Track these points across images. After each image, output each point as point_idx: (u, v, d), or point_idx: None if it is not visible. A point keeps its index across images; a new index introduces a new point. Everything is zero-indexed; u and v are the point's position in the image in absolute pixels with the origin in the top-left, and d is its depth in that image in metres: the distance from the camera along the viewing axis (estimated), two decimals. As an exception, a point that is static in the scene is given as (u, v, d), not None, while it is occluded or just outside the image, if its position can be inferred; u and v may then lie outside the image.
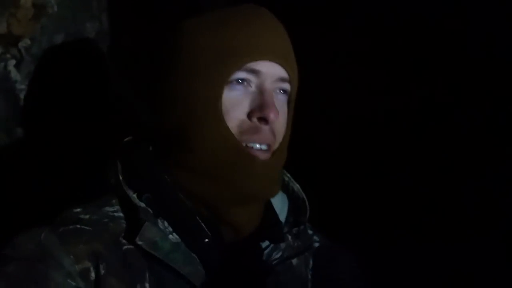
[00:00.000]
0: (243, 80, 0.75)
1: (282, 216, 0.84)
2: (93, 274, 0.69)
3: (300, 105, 0.84)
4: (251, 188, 0.75)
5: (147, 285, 0.71)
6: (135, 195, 0.76)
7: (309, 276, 0.83)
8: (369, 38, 1.23)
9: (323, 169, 1.25)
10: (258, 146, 0.76)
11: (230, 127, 0.74)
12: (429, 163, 1.18)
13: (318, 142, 1.27)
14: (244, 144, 0.75)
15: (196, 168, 0.75)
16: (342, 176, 1.26)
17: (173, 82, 0.77)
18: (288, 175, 0.88)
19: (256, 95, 0.76)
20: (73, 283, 0.68)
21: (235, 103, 0.75)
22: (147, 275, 0.72)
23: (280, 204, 0.85)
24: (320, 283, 0.69)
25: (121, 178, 0.77)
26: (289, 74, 0.78)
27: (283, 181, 0.88)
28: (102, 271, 0.69)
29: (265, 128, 0.75)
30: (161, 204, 0.76)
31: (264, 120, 0.74)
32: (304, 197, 0.86)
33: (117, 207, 0.77)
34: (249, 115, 0.75)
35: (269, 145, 0.76)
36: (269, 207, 0.83)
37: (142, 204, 0.75)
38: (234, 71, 0.74)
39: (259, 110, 0.75)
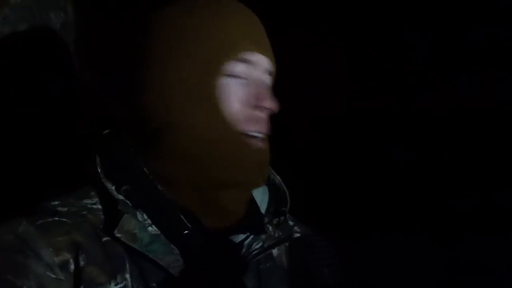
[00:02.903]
0: (239, 70, 0.75)
1: (263, 207, 0.84)
2: (72, 266, 0.68)
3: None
4: (251, 175, 0.76)
5: (127, 275, 0.71)
6: (113, 188, 0.75)
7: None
8: (344, 40, 1.24)
9: (297, 165, 1.26)
10: (257, 134, 0.76)
11: (229, 116, 0.74)
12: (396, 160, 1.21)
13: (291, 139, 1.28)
14: (244, 133, 0.75)
15: (186, 156, 0.74)
16: (318, 171, 1.28)
17: (158, 73, 0.75)
18: (269, 167, 0.88)
19: (252, 85, 0.76)
20: (53, 275, 0.66)
21: (233, 92, 0.75)
22: (127, 266, 0.71)
23: (260, 195, 0.85)
24: (295, 272, 0.69)
25: (99, 170, 0.75)
26: (273, 68, 0.81)
27: None
28: (82, 262, 0.68)
29: (263, 117, 0.77)
30: (139, 196, 0.75)
31: (264, 109, 0.76)
32: (285, 189, 0.86)
33: (96, 199, 0.76)
34: (248, 105, 0.75)
35: (266, 134, 0.78)
36: (250, 198, 0.83)
37: (121, 197, 0.74)
38: (230, 61, 0.75)
39: (260, 100, 0.76)
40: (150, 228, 0.73)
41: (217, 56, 0.74)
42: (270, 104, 0.76)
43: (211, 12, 0.76)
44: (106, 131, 0.81)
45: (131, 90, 0.78)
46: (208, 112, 0.73)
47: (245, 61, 0.76)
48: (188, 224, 0.75)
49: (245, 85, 0.76)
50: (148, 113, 0.76)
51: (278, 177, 0.87)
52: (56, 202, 0.74)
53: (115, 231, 0.71)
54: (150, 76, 0.76)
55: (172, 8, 0.78)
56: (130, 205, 0.74)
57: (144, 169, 0.76)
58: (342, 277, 0.64)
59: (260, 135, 0.77)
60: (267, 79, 0.80)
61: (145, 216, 0.74)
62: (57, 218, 0.71)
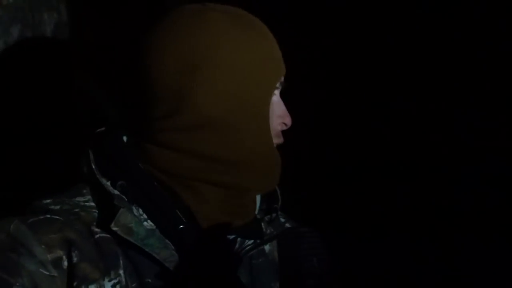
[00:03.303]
0: (277, 89, 0.82)
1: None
2: (65, 263, 0.68)
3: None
4: (272, 182, 0.82)
5: (121, 271, 0.71)
6: (108, 183, 0.75)
7: (279, 261, 0.85)
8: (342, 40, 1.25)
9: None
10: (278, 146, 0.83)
11: (271, 130, 0.80)
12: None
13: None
14: (275, 146, 0.82)
15: (215, 157, 0.76)
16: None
17: (198, 78, 0.75)
18: None
19: (281, 103, 0.83)
20: (46, 272, 0.66)
21: (276, 109, 0.81)
22: (121, 262, 0.71)
23: None
24: (285, 261, 0.70)
25: (94, 166, 0.76)
26: None
27: None
28: (75, 259, 0.69)
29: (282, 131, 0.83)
30: (135, 191, 0.75)
31: (285, 126, 0.83)
32: (276, 187, 0.87)
33: (88, 197, 0.76)
34: (281, 121, 0.82)
35: None
36: None
37: (116, 192, 0.74)
38: (279, 80, 0.81)
39: (285, 117, 0.83)
40: (145, 223, 0.74)
41: (274, 74, 0.80)
42: (290, 121, 0.83)
43: (256, 28, 0.80)
44: (100, 129, 0.82)
45: (138, 90, 0.78)
46: (258, 123, 0.78)
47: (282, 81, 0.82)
48: (183, 219, 0.75)
49: (280, 104, 0.83)
50: (157, 113, 0.76)
51: None
52: (48, 201, 0.74)
53: (112, 225, 0.71)
54: (182, 80, 0.75)
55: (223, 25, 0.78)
56: (126, 200, 0.74)
57: (139, 164, 0.77)
58: (330, 265, 0.65)
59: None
60: None
61: (141, 211, 0.75)
62: (49, 216, 0.71)
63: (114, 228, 0.71)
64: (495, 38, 1.03)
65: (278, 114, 0.81)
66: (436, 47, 1.11)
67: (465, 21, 1.09)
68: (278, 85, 0.81)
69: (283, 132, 0.84)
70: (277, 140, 0.82)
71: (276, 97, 0.81)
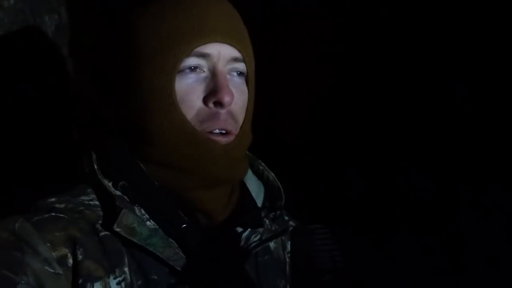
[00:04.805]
0: (194, 66, 0.74)
1: (259, 202, 0.85)
2: (70, 260, 0.68)
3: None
4: (214, 173, 0.75)
5: (126, 269, 0.71)
6: (110, 184, 0.75)
7: (287, 259, 0.85)
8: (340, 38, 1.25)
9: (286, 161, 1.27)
10: (217, 131, 0.75)
11: (188, 116, 0.73)
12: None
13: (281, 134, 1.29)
14: (205, 132, 0.74)
15: (159, 158, 0.75)
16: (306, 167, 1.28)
17: (126, 74, 0.77)
18: (263, 164, 0.89)
19: (209, 79, 0.75)
20: (51, 270, 0.66)
21: (189, 91, 0.74)
22: (126, 259, 0.71)
23: (256, 190, 0.86)
24: (297, 257, 0.70)
25: (96, 167, 0.76)
26: (241, 53, 0.77)
27: (258, 170, 0.89)
28: (80, 257, 0.68)
29: (222, 112, 0.74)
30: (137, 191, 0.75)
31: (219, 104, 0.73)
32: (279, 185, 0.87)
33: (92, 196, 0.76)
34: (205, 101, 0.74)
35: (229, 129, 0.76)
36: (246, 193, 0.84)
37: (118, 193, 0.74)
38: (183, 58, 0.73)
39: (213, 95, 0.73)
40: (148, 223, 0.74)
41: (168, 53, 0.73)
42: (223, 97, 0.73)
43: (164, 9, 0.76)
44: (99, 130, 0.82)
45: (117, 92, 0.80)
46: (167, 113, 0.73)
47: (200, 54, 0.74)
48: (185, 218, 0.75)
49: (203, 80, 0.75)
50: (129, 114, 0.77)
51: (272, 174, 0.88)
52: (53, 199, 0.74)
53: (114, 226, 0.71)
54: (125, 78, 0.77)
55: (143, 9, 0.79)
56: (128, 200, 0.74)
57: (141, 165, 0.77)
58: (341, 262, 0.65)
59: (221, 131, 0.75)
60: (233, 68, 0.77)
61: (143, 211, 0.75)
62: (53, 214, 0.71)
63: (117, 229, 0.71)
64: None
65: (199, 94, 0.74)
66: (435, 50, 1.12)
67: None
68: (181, 61, 0.73)
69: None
70: (210, 124, 0.74)
71: (191, 74, 0.74)
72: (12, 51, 1.08)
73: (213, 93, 0.73)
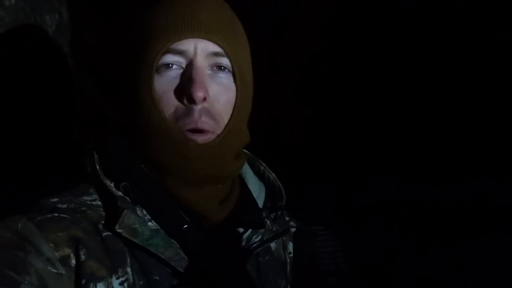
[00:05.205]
0: (171, 63, 0.73)
1: (260, 203, 0.85)
2: (73, 261, 0.68)
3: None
4: (193, 172, 0.74)
5: (128, 269, 0.71)
6: (112, 184, 0.75)
7: (288, 260, 0.85)
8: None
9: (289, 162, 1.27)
10: (194, 128, 0.73)
11: (166, 113, 0.72)
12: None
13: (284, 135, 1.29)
14: (181, 130, 0.72)
15: (148, 157, 0.75)
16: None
17: (119, 73, 0.78)
18: (264, 164, 0.89)
19: (185, 76, 0.73)
20: (54, 270, 0.66)
21: (167, 88, 0.73)
22: (128, 260, 0.71)
23: (257, 190, 0.86)
24: (300, 259, 0.70)
25: (98, 167, 0.76)
26: (222, 48, 0.75)
27: (259, 170, 0.89)
28: (83, 257, 0.68)
29: (196, 109, 0.72)
30: (138, 192, 0.75)
31: (192, 100, 0.71)
32: (280, 185, 0.87)
33: (95, 196, 0.76)
34: (180, 98, 0.73)
35: (205, 128, 0.73)
36: (247, 193, 0.84)
37: (120, 193, 0.74)
38: (160, 55, 0.72)
39: (186, 91, 0.72)
40: (150, 223, 0.74)
41: (147, 50, 0.72)
42: (193, 93, 0.70)
43: (154, 7, 0.77)
44: (102, 130, 0.82)
45: (112, 91, 0.81)
46: (147, 110, 0.73)
47: (176, 51, 0.73)
48: (187, 218, 0.75)
49: (180, 77, 0.73)
50: (121, 113, 0.78)
51: (273, 174, 0.88)
52: (55, 199, 0.74)
53: (116, 227, 0.71)
54: (116, 77, 0.80)
55: (139, 7, 0.80)
56: (129, 201, 0.74)
57: (142, 165, 0.77)
58: (344, 263, 0.65)
59: (197, 129, 0.73)
60: (214, 63, 0.75)
61: (145, 212, 0.75)
62: (56, 214, 0.71)
63: (119, 230, 0.71)
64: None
65: (174, 91, 0.72)
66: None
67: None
68: (162, 61, 0.72)
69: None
70: (185, 122, 0.72)
71: (165, 76, 0.73)
72: (13, 50, 1.08)
73: (187, 89, 0.72)
